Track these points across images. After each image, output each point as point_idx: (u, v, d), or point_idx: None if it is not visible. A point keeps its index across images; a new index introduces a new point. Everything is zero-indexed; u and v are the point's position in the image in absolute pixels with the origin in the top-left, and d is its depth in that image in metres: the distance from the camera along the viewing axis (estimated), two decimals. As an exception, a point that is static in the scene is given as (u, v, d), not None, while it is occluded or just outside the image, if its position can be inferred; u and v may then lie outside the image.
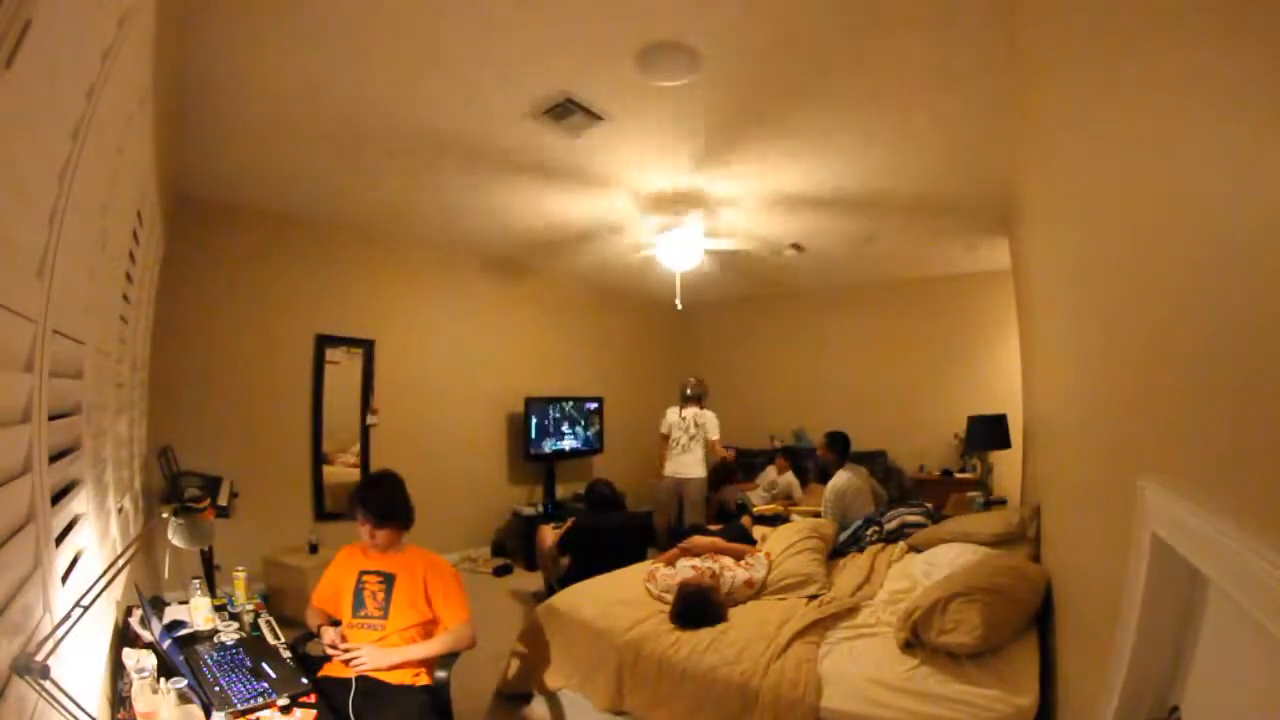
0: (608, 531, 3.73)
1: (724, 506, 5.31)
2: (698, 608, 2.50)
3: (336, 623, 2.01)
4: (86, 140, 1.05)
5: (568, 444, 5.94)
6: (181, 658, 1.49)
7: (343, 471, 4.47)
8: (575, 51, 2.33)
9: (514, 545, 5.21)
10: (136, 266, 2.07)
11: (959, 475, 5.71)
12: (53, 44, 0.84)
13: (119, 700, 1.41)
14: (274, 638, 1.90)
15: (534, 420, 5.61)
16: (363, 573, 2.03)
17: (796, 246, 5.04)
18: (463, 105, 2.72)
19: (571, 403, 6.02)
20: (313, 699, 1.52)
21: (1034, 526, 2.76)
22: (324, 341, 4.38)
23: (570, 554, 3.60)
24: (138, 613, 1.74)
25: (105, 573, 1.30)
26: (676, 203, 3.89)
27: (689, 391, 5.06)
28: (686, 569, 2.89)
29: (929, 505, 3.87)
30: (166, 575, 2.68)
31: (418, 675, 1.92)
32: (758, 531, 3.72)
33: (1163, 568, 0.88)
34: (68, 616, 1.07)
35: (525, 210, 4.15)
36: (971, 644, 1.95)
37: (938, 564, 2.72)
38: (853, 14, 2.08)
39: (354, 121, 2.85)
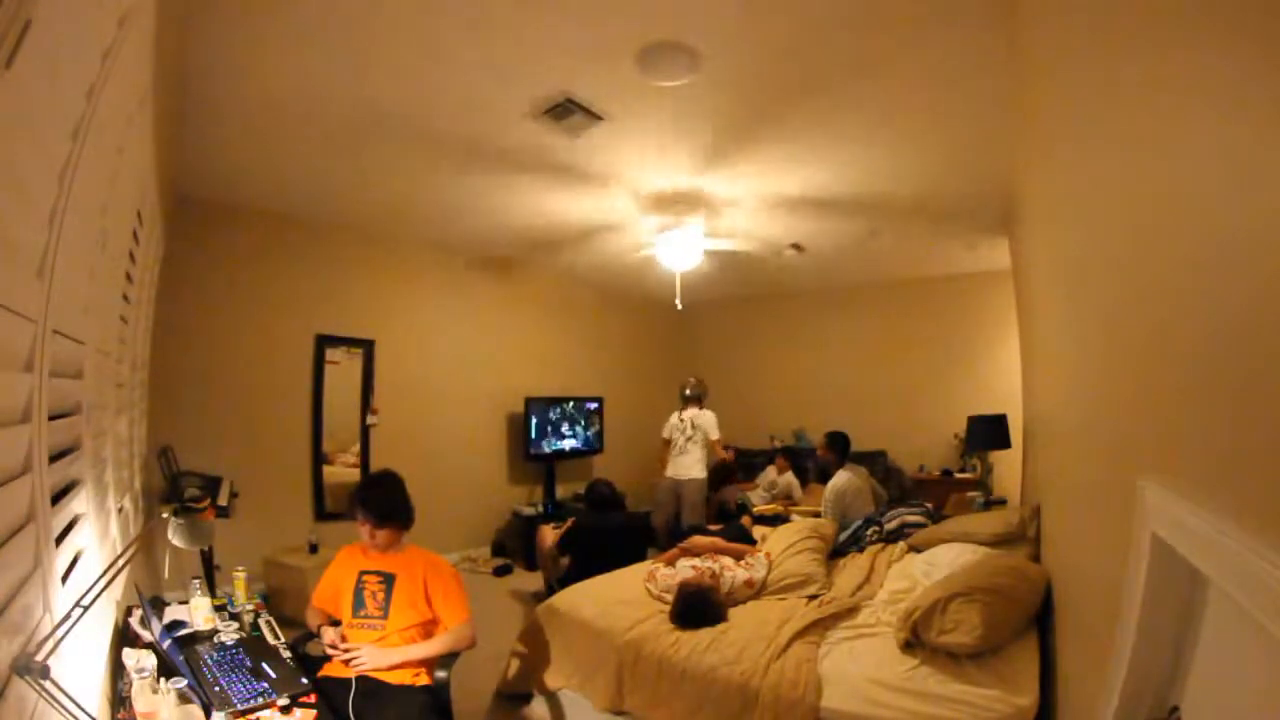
0: (608, 531, 3.73)
1: (724, 506, 5.31)
2: (698, 608, 2.50)
3: (336, 623, 2.01)
4: (86, 140, 1.05)
5: (568, 444, 5.94)
6: (181, 658, 1.49)
7: (343, 471, 4.47)
8: (575, 51, 2.33)
9: (514, 545, 5.21)
10: (136, 266, 2.07)
11: (959, 475, 5.71)
12: (53, 44, 0.84)
13: (119, 700, 1.41)
14: (274, 638, 1.90)
15: (534, 420, 5.61)
16: (363, 573, 2.03)
17: (796, 246, 5.04)
18: (463, 105, 2.72)
19: (571, 403, 6.02)
20: (313, 699, 1.52)
21: (1034, 526, 2.76)
22: (324, 341, 4.38)
23: (570, 554, 3.60)
24: (138, 613, 1.74)
25: (105, 573, 1.30)
26: (676, 203, 3.89)
27: (688, 392, 5.06)
28: (686, 569, 2.89)
29: (929, 505, 3.87)
30: (166, 575, 2.68)
31: (418, 675, 1.92)
32: (758, 531, 3.72)
33: (1163, 568, 0.88)
34: (68, 616, 1.07)
35: (525, 210, 4.14)
36: (971, 644, 1.95)
37: (938, 564, 2.72)
38: (853, 14, 2.08)
39: (354, 121, 2.85)
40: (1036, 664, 1.95)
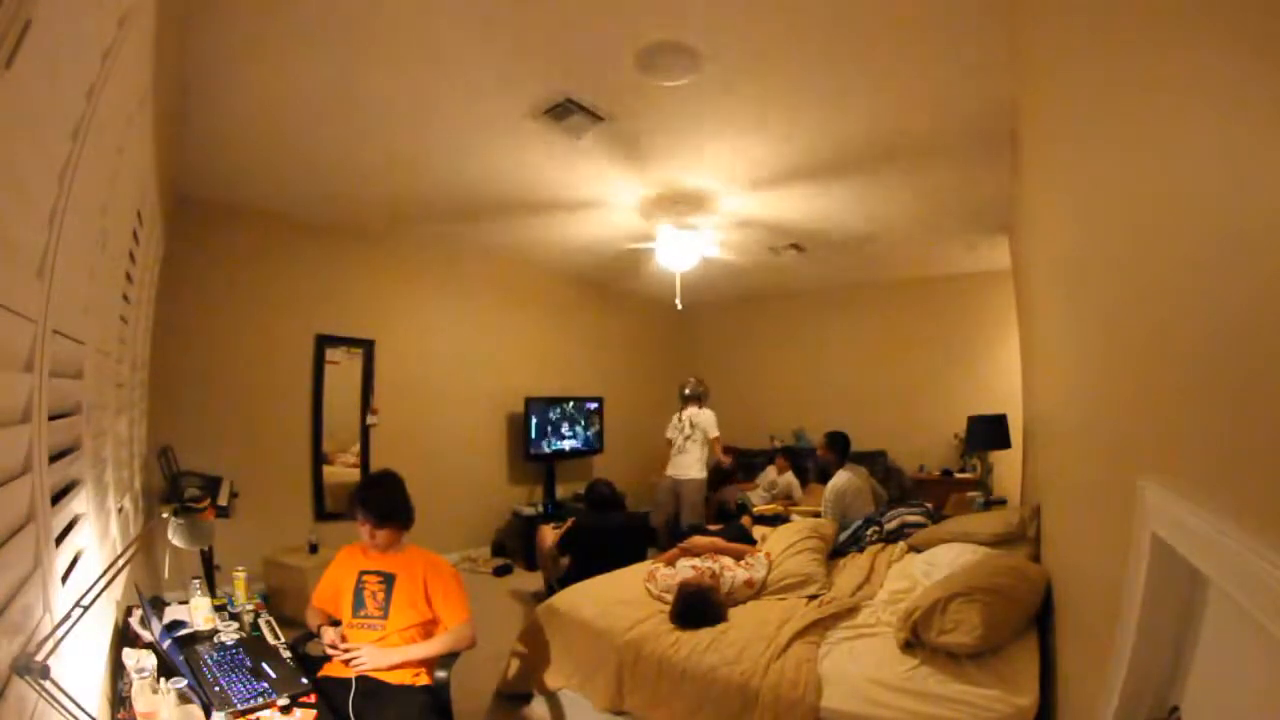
0: (608, 531, 3.73)
1: (724, 506, 5.32)
2: (698, 608, 2.50)
3: (336, 623, 2.01)
4: (86, 140, 1.05)
5: (568, 444, 5.94)
6: (181, 658, 1.49)
7: (343, 471, 4.47)
8: (575, 51, 2.33)
9: (514, 545, 5.21)
10: (136, 266, 2.07)
11: (959, 475, 5.71)
12: (53, 44, 0.84)
13: (119, 700, 1.41)
14: (274, 638, 1.90)
15: (534, 420, 5.61)
16: (363, 573, 2.03)
17: (796, 246, 5.04)
18: (463, 105, 2.72)
19: (571, 403, 6.02)
20: (313, 699, 1.52)
21: (1034, 526, 2.75)
22: (324, 341, 4.38)
23: (570, 554, 3.60)
24: (138, 613, 1.74)
25: (105, 573, 1.30)
26: (676, 203, 3.89)
27: (687, 391, 5.08)
28: (686, 569, 2.89)
29: (929, 505, 3.87)
30: (166, 575, 2.68)
31: (418, 675, 1.92)
32: (758, 531, 3.72)
33: (1163, 568, 0.88)
34: (68, 616, 1.07)
35: (525, 210, 4.14)
36: (971, 644, 1.95)
37: (938, 564, 2.72)
38: (854, 14, 2.08)
39: (354, 121, 2.85)
40: (1036, 664, 1.95)
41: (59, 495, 1.18)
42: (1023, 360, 3.78)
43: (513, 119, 2.82)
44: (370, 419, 4.62)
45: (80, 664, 1.20)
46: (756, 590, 2.83)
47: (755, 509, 5.00)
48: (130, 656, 1.42)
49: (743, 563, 2.99)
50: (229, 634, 1.86)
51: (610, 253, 5.09)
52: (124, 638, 1.72)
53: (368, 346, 4.64)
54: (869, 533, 3.57)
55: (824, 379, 6.90)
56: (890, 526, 3.57)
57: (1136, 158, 0.98)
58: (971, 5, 2.02)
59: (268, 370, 4.12)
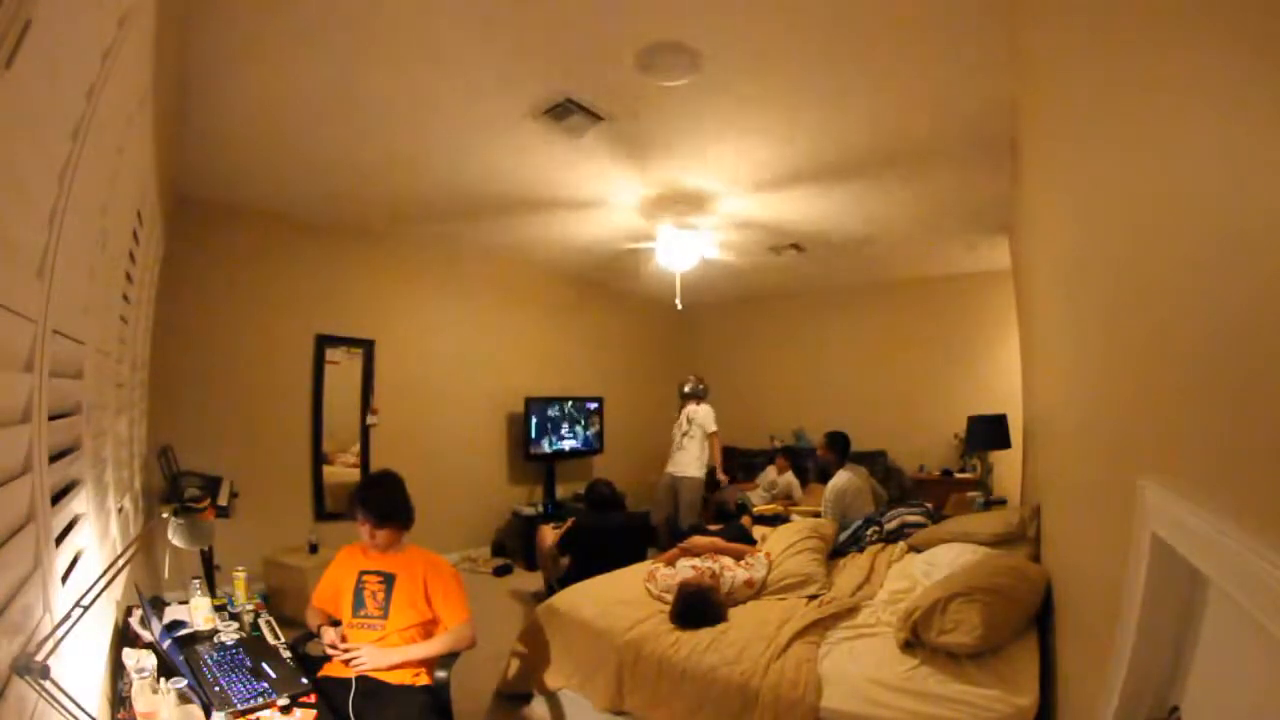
0: (608, 531, 3.73)
1: (724, 506, 5.31)
2: (698, 608, 2.50)
3: (336, 623, 2.01)
4: (86, 140, 1.05)
5: (568, 444, 5.94)
6: (181, 658, 1.49)
7: (343, 471, 4.47)
8: (575, 51, 2.33)
9: (514, 545, 5.21)
10: (136, 266, 2.07)
11: (959, 475, 5.71)
12: (53, 44, 0.84)
13: (119, 700, 1.41)
14: (274, 638, 1.90)
15: (534, 420, 5.61)
16: (363, 573, 2.03)
17: (797, 246, 5.04)
18: (463, 105, 2.72)
19: (571, 403, 6.02)
20: (313, 699, 1.52)
21: (1034, 526, 2.76)
22: (324, 341, 4.38)
23: (570, 554, 3.60)
24: (138, 613, 1.74)
25: (105, 573, 1.30)
26: (676, 203, 3.89)
27: (686, 389, 5.10)
28: (686, 569, 2.89)
29: (929, 505, 3.87)
30: (166, 575, 2.68)
31: (418, 675, 1.92)
32: (758, 531, 3.72)
33: (1163, 568, 0.88)
34: (68, 616, 1.07)
35: (525, 210, 4.14)
36: (971, 644, 1.95)
37: (938, 564, 2.72)
38: (854, 14, 2.08)
39: (354, 121, 2.85)
40: (1036, 664, 1.95)
41: (59, 495, 1.18)
42: (1023, 360, 3.78)
43: (513, 119, 2.82)
44: (370, 419, 4.62)
45: (80, 664, 1.20)
46: (756, 590, 2.83)
47: (755, 509, 5.00)
48: (130, 656, 1.42)
49: (743, 563, 2.99)
50: (229, 634, 1.86)
51: (610, 253, 5.09)
52: (124, 638, 1.72)
53: (368, 346, 4.64)
54: (869, 533, 3.57)
55: (824, 379, 6.90)
56: (890, 526, 3.57)
57: (1136, 158, 0.98)
58: (971, 5, 2.02)
59: (268, 370, 4.12)
